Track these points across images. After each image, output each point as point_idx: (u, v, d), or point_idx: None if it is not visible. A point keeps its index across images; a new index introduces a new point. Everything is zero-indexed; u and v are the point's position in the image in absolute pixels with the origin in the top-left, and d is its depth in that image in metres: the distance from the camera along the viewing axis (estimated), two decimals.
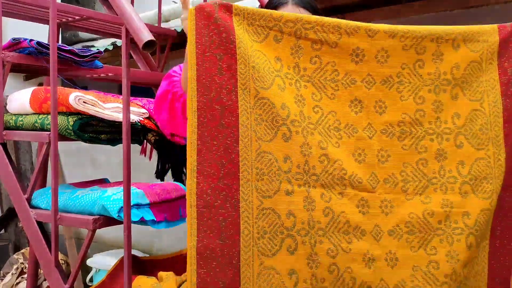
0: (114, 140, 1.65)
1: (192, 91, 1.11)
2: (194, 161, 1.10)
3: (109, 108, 1.55)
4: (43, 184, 1.91)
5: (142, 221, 1.43)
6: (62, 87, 1.57)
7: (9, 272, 3.40)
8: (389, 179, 1.20)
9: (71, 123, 1.49)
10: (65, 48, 1.64)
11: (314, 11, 1.51)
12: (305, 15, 1.23)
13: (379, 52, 1.19)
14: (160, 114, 1.44)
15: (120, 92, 1.48)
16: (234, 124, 1.12)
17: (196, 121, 1.11)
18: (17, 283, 3.34)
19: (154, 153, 1.98)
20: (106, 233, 3.41)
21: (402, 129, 1.20)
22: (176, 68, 1.46)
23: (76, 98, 1.47)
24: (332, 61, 1.19)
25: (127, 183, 1.32)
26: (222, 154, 1.11)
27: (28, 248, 3.46)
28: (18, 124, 1.64)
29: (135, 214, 1.40)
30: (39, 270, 2.40)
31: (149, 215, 1.44)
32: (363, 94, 1.20)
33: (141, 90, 2.41)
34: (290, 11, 1.44)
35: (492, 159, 1.21)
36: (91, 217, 1.43)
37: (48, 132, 1.48)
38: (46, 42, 1.64)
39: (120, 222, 1.39)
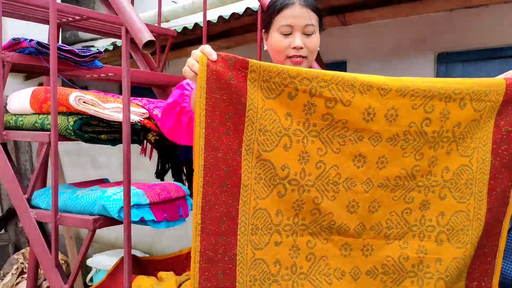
0: (114, 140, 1.64)
1: (200, 148, 1.15)
2: (199, 219, 1.17)
3: (109, 108, 1.55)
4: (43, 184, 1.91)
5: (142, 221, 1.43)
6: (62, 87, 1.57)
7: (9, 272, 3.40)
8: (375, 227, 1.26)
9: (71, 123, 1.49)
10: (65, 48, 1.64)
11: (319, 13, 1.52)
12: (322, 71, 1.23)
13: (389, 110, 1.21)
14: (166, 121, 1.47)
15: (120, 92, 1.48)
16: (236, 184, 1.18)
17: (202, 180, 1.16)
18: (17, 283, 3.34)
19: (154, 153, 1.98)
20: (106, 233, 3.42)
21: (397, 182, 1.25)
22: (189, 80, 1.47)
23: (76, 98, 1.47)
24: (344, 119, 1.21)
25: (127, 183, 1.31)
26: (223, 212, 1.18)
27: (28, 248, 3.46)
28: (18, 124, 1.64)
29: (135, 214, 1.40)
30: (39, 270, 2.40)
31: (149, 215, 1.44)
32: (368, 150, 1.23)
33: (141, 90, 2.41)
34: (298, 12, 1.45)
35: (471, 213, 1.27)
36: (91, 217, 1.43)
37: (48, 132, 1.48)
38: (46, 42, 1.64)
39: (120, 222, 1.39)
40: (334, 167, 1.22)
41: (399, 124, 1.22)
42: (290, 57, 1.48)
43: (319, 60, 2.09)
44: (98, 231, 1.46)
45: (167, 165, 1.96)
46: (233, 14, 2.53)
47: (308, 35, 1.47)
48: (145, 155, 1.99)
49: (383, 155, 1.23)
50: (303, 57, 1.48)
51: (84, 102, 1.49)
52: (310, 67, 1.77)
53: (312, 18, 1.46)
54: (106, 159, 3.59)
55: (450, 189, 1.27)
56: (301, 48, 1.46)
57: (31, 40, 1.59)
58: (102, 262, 3.09)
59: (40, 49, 1.60)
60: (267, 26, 1.54)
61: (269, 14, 1.52)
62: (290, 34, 1.47)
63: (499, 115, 1.26)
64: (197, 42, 3.14)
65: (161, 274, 1.57)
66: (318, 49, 1.57)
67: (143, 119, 1.68)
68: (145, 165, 2.13)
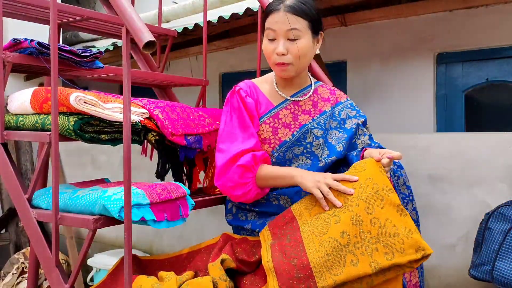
0: (114, 140, 1.65)
1: None
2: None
3: (109, 108, 1.55)
4: (44, 184, 1.91)
5: (143, 221, 1.44)
6: (63, 87, 1.57)
7: (9, 272, 3.40)
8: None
9: (72, 123, 1.49)
10: (65, 48, 1.64)
11: (310, 19, 1.51)
12: None
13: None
14: (235, 193, 1.61)
15: (120, 92, 1.49)
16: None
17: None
18: (18, 283, 3.35)
19: (155, 153, 1.99)
20: (107, 232, 3.42)
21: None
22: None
23: (77, 98, 1.47)
24: None
25: (127, 183, 1.32)
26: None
27: (28, 247, 3.47)
28: (18, 124, 1.64)
29: (136, 214, 1.40)
30: (40, 269, 2.41)
31: (149, 215, 1.45)
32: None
33: (141, 90, 2.41)
34: (280, 17, 1.47)
35: None
36: (92, 217, 1.43)
37: (49, 132, 1.48)
38: (47, 42, 1.64)
39: (121, 222, 1.39)
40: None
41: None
42: (276, 64, 1.52)
43: (319, 60, 2.09)
44: (98, 230, 1.46)
45: (167, 165, 1.96)
46: (233, 15, 2.54)
47: (292, 40, 1.48)
48: (146, 155, 1.99)
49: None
50: (288, 64, 1.51)
51: (84, 102, 1.49)
52: (309, 69, 1.78)
53: (295, 23, 1.46)
54: (107, 159, 3.59)
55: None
56: (283, 54, 1.49)
57: (31, 41, 1.59)
58: (103, 261, 3.09)
59: (41, 50, 1.60)
60: (262, 30, 1.58)
61: (263, 18, 1.57)
62: (275, 40, 1.50)
63: None
64: (197, 42, 3.15)
65: (162, 274, 1.57)
66: (318, 52, 1.57)
67: (143, 119, 1.68)
68: (145, 165, 2.13)
